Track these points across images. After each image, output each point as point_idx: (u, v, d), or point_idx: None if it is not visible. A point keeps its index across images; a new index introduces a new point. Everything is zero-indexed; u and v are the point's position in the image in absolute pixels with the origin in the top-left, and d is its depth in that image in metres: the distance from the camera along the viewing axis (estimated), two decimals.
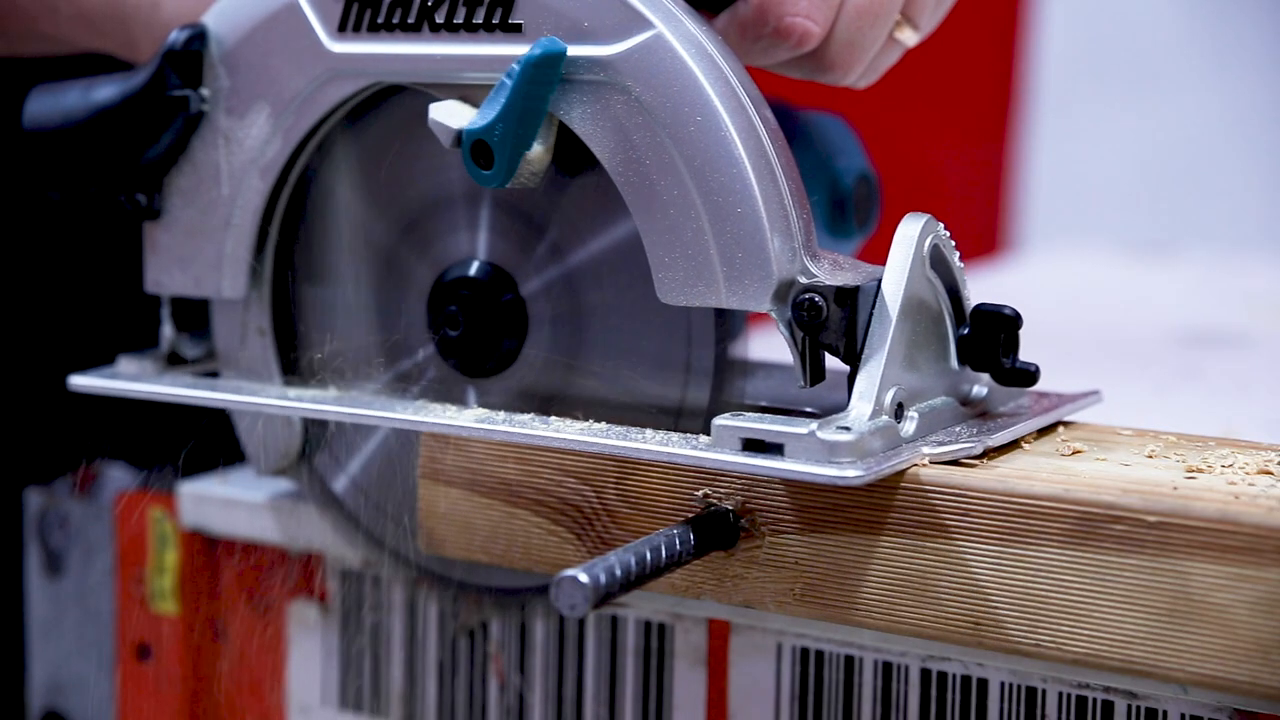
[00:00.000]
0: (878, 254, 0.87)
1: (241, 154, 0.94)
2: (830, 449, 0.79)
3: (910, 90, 0.95)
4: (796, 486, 0.83)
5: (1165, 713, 0.83)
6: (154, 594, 1.06)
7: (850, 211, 1.00)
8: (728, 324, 0.88)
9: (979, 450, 0.83)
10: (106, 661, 1.09)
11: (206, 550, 1.05)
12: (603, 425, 0.87)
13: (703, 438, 0.83)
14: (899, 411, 0.83)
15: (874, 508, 0.82)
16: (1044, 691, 0.85)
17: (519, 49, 0.86)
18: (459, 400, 0.93)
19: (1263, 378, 1.40)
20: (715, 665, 0.93)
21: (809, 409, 0.88)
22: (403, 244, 0.94)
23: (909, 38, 0.96)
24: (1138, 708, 0.83)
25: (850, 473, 0.79)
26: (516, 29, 0.87)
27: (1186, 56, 3.27)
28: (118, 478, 1.09)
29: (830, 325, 0.83)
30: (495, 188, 0.87)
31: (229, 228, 0.95)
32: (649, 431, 0.85)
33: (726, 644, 0.92)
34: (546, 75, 0.85)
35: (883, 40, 0.94)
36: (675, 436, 0.84)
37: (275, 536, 1.03)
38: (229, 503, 1.04)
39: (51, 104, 0.97)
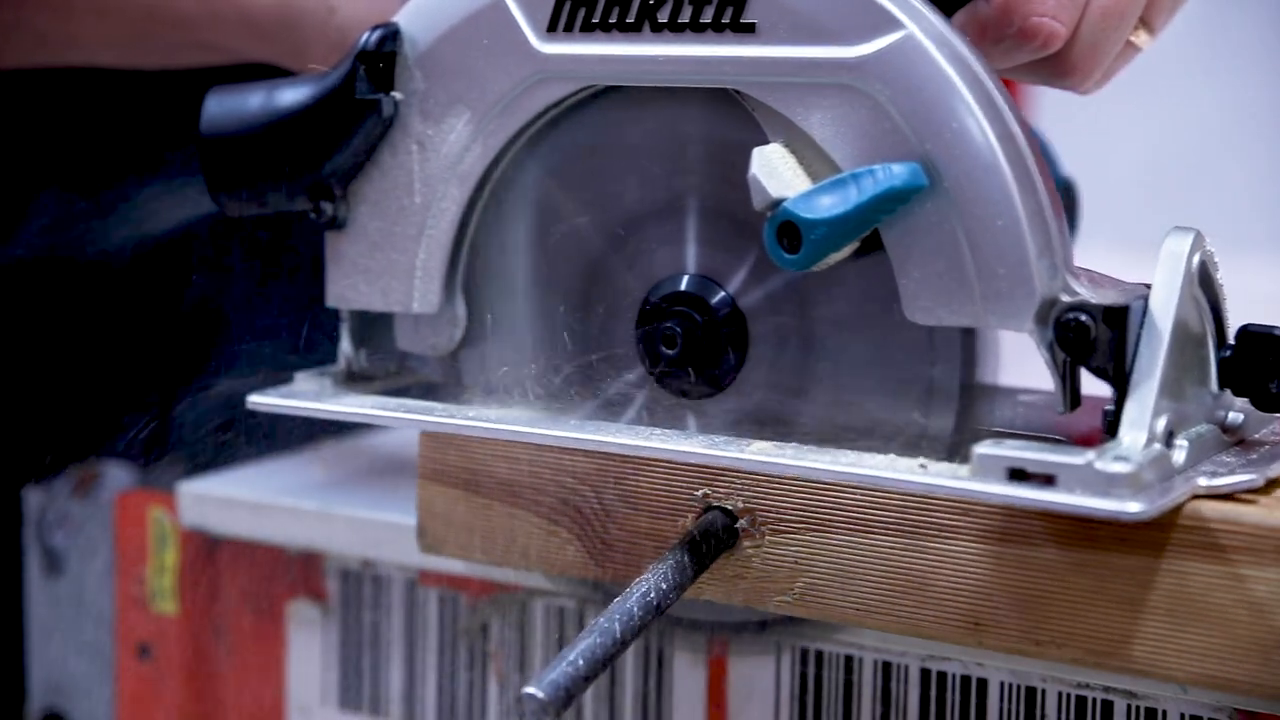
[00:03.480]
0: None
1: (437, 160, 0.89)
2: (1109, 480, 0.74)
3: None
4: (804, 487, 0.83)
5: (1165, 713, 0.83)
6: (154, 594, 1.06)
7: None
8: (974, 344, 0.83)
9: (1260, 482, 0.78)
10: (106, 661, 1.09)
11: (206, 550, 1.05)
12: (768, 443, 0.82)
13: (955, 466, 0.78)
14: (1168, 440, 0.78)
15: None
16: (1044, 691, 0.85)
17: (751, 50, 0.81)
18: (675, 424, 0.88)
19: None
20: (715, 665, 0.93)
21: (1039, 434, 0.84)
22: (609, 256, 0.89)
23: (1144, 41, 0.92)
24: (1138, 708, 0.83)
25: (1132, 506, 0.73)
26: (749, 29, 0.81)
27: (1186, 55, 3.27)
28: (118, 478, 1.10)
29: (1099, 348, 0.77)
30: (787, 269, 0.81)
31: (422, 238, 0.90)
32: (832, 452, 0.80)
33: (726, 644, 0.92)
34: (895, 205, 0.79)
35: (1121, 44, 0.90)
36: (936, 465, 0.79)
37: (275, 536, 1.03)
38: (229, 503, 1.04)
39: (232, 107, 0.92)
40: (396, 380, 0.95)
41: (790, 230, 0.80)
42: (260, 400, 0.93)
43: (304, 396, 0.93)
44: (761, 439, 0.83)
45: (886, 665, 0.88)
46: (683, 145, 0.87)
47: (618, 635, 0.78)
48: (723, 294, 0.87)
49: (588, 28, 0.85)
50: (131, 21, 1.07)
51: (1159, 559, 0.76)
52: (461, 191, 0.89)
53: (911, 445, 0.82)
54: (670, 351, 0.87)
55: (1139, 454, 0.75)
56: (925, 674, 0.87)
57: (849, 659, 0.89)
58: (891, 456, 0.80)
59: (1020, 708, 0.86)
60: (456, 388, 0.94)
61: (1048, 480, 0.75)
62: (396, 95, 0.89)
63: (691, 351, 0.87)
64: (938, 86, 0.78)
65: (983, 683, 0.86)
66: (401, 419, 0.90)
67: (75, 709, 1.10)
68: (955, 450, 0.81)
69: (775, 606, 0.85)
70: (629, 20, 0.84)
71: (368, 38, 0.89)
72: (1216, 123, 3.31)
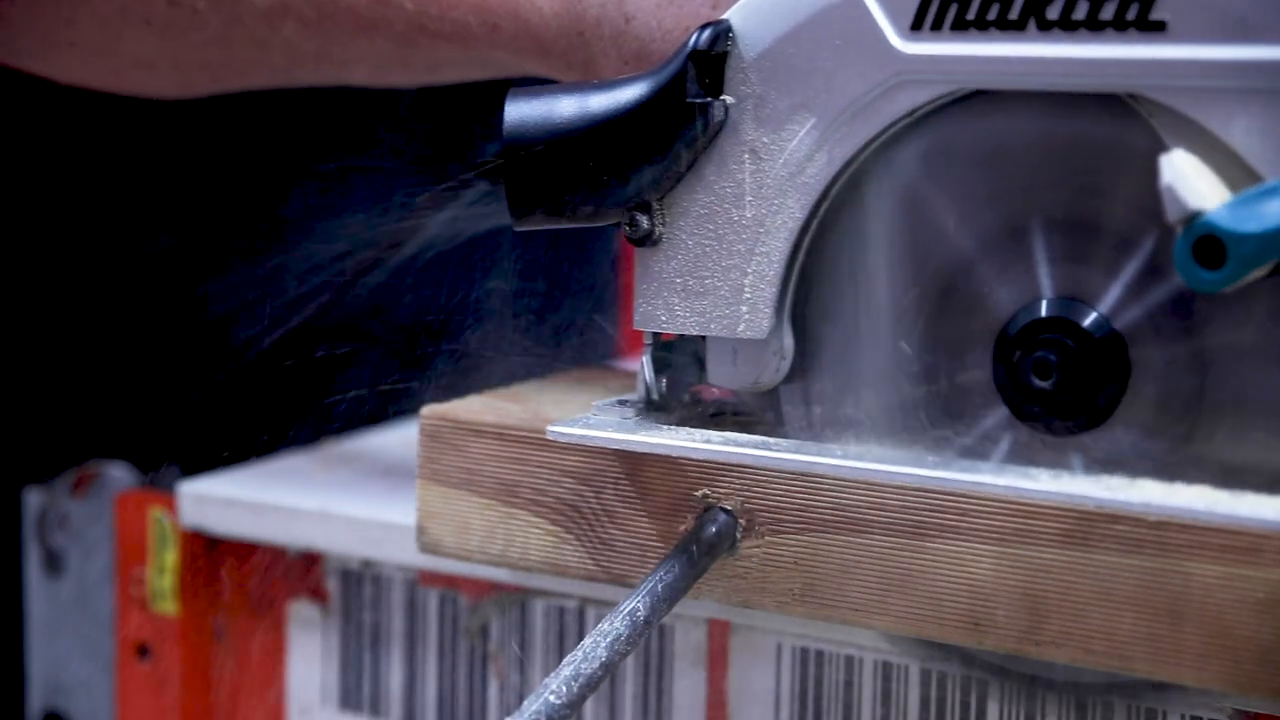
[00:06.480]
0: None
1: (774, 171, 0.81)
2: None
3: None
4: (804, 486, 0.83)
5: (1165, 713, 0.83)
6: (154, 594, 1.06)
7: None
8: None
9: None
10: (106, 661, 1.09)
11: (206, 550, 1.05)
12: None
13: None
14: None
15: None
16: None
17: (1161, 51, 0.74)
18: (1046, 463, 0.80)
19: None
20: (715, 665, 0.93)
21: None
22: (965, 277, 0.82)
23: None
24: (1138, 708, 0.83)
25: None
26: (1159, 27, 0.73)
27: None
28: (118, 478, 1.10)
29: None
30: (1201, 289, 0.73)
31: (752, 257, 0.82)
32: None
33: (726, 644, 0.92)
34: None
35: None
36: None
37: (275, 536, 1.03)
38: (229, 503, 1.04)
39: (541, 113, 0.84)
40: (692, 411, 0.90)
41: (1212, 245, 0.72)
42: (562, 431, 0.85)
43: (611, 428, 0.85)
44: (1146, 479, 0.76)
45: (886, 665, 0.88)
46: (1056, 153, 0.79)
47: (603, 659, 0.76)
48: (1095, 315, 0.79)
49: (960, 25, 0.78)
50: (397, 36, 0.98)
51: (1159, 559, 0.76)
52: (801, 205, 0.82)
53: None
54: (1043, 382, 0.80)
55: None
56: (925, 674, 0.87)
57: (849, 659, 0.89)
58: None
59: (1020, 708, 0.85)
60: (772, 423, 0.87)
61: None
62: (727, 99, 0.82)
63: (1066, 382, 0.79)
64: None
65: (983, 683, 0.86)
66: (740, 455, 0.83)
67: (75, 709, 1.10)
68: None
69: (775, 606, 0.85)
70: (1011, 17, 0.76)
71: (699, 36, 0.82)
72: None
